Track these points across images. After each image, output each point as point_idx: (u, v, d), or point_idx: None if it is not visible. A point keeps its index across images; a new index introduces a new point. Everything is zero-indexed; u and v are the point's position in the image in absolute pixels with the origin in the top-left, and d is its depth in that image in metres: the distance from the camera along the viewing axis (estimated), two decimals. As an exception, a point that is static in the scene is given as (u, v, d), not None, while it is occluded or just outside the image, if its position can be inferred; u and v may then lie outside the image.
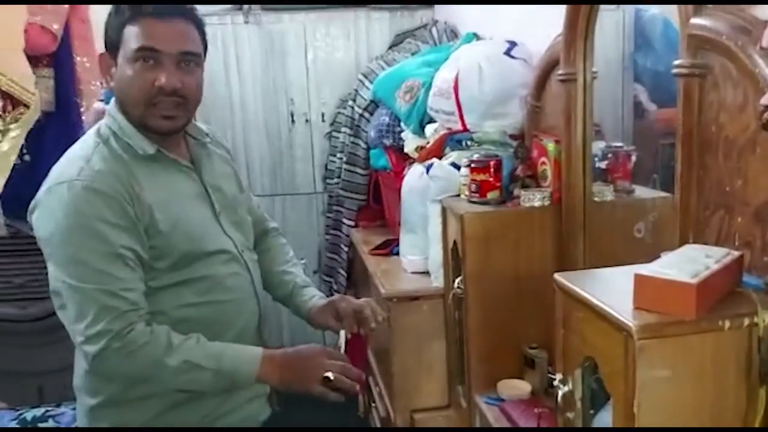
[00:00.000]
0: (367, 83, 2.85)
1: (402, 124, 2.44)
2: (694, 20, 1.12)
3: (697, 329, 0.90)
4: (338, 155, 3.01)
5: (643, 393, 0.89)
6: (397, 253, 2.30)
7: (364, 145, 2.78)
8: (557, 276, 1.10)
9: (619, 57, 1.69)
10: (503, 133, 1.97)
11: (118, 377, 1.23)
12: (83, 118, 2.23)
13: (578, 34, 1.55)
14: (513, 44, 2.03)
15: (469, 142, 1.99)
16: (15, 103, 1.89)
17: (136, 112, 1.24)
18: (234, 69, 3.18)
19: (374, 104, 2.73)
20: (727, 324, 0.90)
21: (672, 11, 1.21)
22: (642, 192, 1.59)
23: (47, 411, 2.01)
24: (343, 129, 2.97)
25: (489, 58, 2.00)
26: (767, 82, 0.97)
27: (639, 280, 0.93)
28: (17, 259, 2.14)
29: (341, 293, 2.94)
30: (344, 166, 2.88)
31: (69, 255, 1.17)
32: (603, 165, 1.64)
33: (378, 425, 2.36)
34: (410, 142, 2.36)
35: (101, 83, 1.30)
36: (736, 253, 1.00)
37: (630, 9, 1.65)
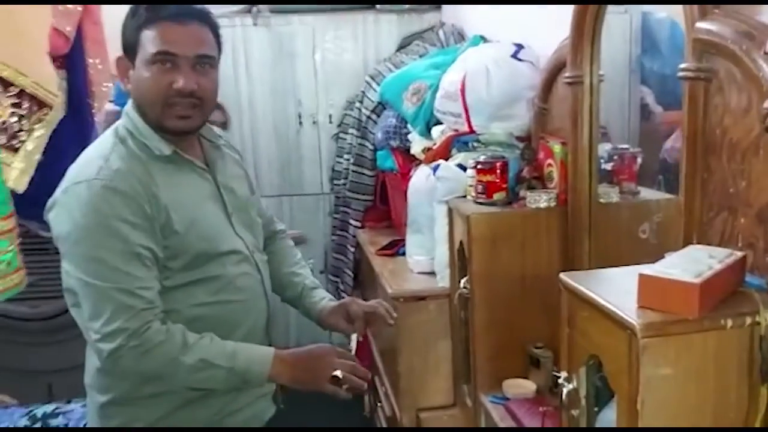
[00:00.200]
0: (374, 85, 2.87)
1: (409, 125, 2.46)
2: (700, 24, 1.14)
3: (699, 328, 0.91)
4: (345, 156, 3.03)
5: (647, 390, 0.91)
6: (404, 254, 2.31)
7: (371, 147, 2.80)
8: (563, 275, 1.11)
9: (625, 60, 1.70)
10: (510, 135, 1.98)
11: (132, 375, 1.25)
12: (95, 119, 2.25)
13: (585, 37, 1.57)
14: (520, 47, 2.04)
15: (475, 144, 2.01)
16: (39, 104, 1.92)
17: (153, 113, 1.27)
18: (243, 71, 3.21)
19: (381, 106, 2.76)
20: (730, 323, 0.92)
21: (679, 14, 1.22)
22: (647, 194, 1.60)
23: (57, 408, 2.03)
24: (350, 130, 2.99)
25: (496, 61, 2.01)
26: (771, 85, 0.99)
27: (643, 279, 0.94)
28: (28, 258, 2.16)
29: (348, 293, 2.96)
30: (351, 167, 2.90)
31: (86, 253, 1.19)
32: (609, 167, 1.65)
33: (384, 424, 2.38)
34: (417, 144, 2.38)
35: (122, 84, 1.31)
36: (739, 254, 1.01)
37: (637, 12, 1.66)
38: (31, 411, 2.01)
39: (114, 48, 2.44)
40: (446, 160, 2.07)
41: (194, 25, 1.26)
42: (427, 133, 2.31)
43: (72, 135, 2.09)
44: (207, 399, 1.30)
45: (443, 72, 2.24)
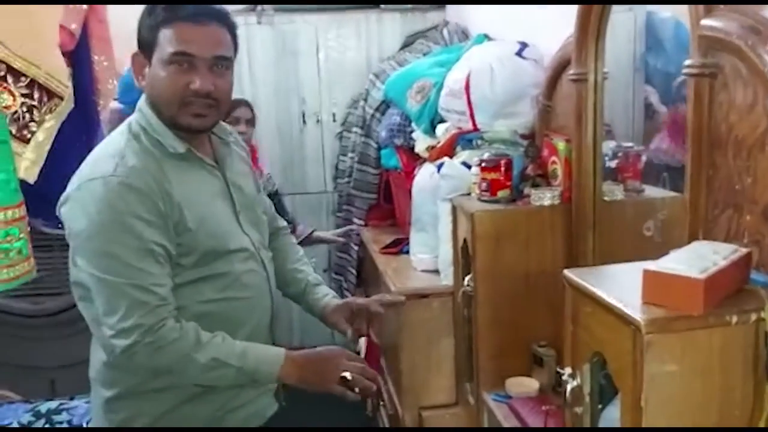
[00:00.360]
0: (378, 83, 2.87)
1: (413, 124, 2.46)
2: (705, 21, 1.13)
3: (704, 324, 0.91)
4: (349, 155, 3.03)
5: (651, 387, 0.91)
6: (407, 252, 2.31)
7: (375, 145, 2.80)
8: (567, 272, 1.11)
9: (630, 58, 1.70)
10: (514, 133, 1.98)
11: (143, 370, 1.26)
12: (100, 117, 2.26)
13: (590, 35, 1.56)
14: (524, 45, 2.04)
15: (479, 142, 2.01)
16: (50, 94, 1.94)
17: (168, 111, 1.27)
18: (246, 69, 3.21)
19: (385, 104, 2.76)
20: (735, 319, 0.92)
21: (683, 13, 1.22)
22: (652, 191, 1.59)
23: (61, 404, 2.03)
24: (354, 129, 2.99)
25: (500, 59, 2.01)
26: (777, 81, 0.99)
27: (647, 275, 0.94)
28: (31, 255, 2.19)
29: (351, 292, 2.96)
30: (355, 165, 2.90)
31: (101, 249, 1.19)
32: (613, 164, 1.65)
33: (386, 423, 2.37)
34: (421, 142, 2.38)
35: (136, 81, 1.31)
36: (744, 250, 1.01)
37: (641, 11, 1.66)
38: (35, 407, 2.01)
39: (119, 46, 2.46)
40: (450, 157, 2.06)
41: (212, 26, 1.26)
42: (431, 131, 2.31)
43: (77, 132, 2.10)
44: (210, 394, 1.31)
45: (447, 70, 2.24)
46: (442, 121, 2.24)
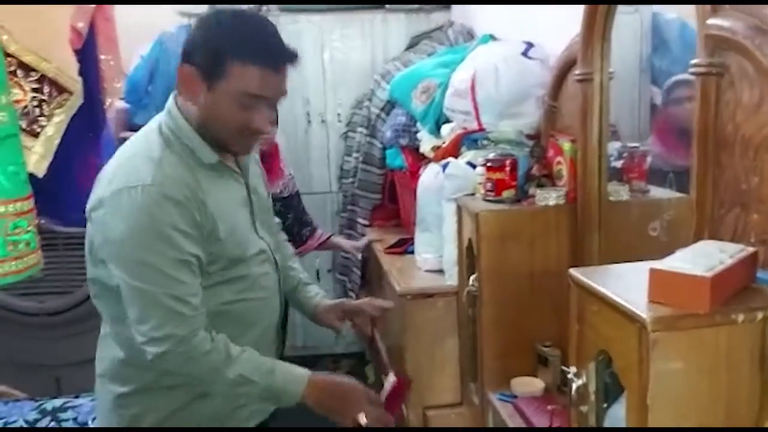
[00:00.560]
0: (383, 84, 2.88)
1: (418, 124, 2.47)
2: (712, 20, 1.13)
3: (710, 322, 0.91)
4: (354, 155, 3.03)
5: (657, 385, 0.90)
6: (412, 252, 2.32)
7: (380, 145, 2.81)
8: (572, 271, 1.11)
9: (635, 59, 1.70)
10: (519, 133, 1.98)
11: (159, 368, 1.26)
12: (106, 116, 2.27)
13: (596, 35, 1.56)
14: (530, 45, 2.04)
15: (485, 142, 2.01)
16: (60, 89, 1.94)
17: (219, 137, 1.26)
18: (251, 69, 3.21)
19: (390, 104, 2.76)
20: (741, 318, 0.91)
21: (689, 14, 1.22)
22: (657, 192, 1.59)
23: (66, 402, 2.04)
24: (359, 129, 2.99)
25: (506, 59, 2.02)
26: (783, 80, 0.99)
27: (654, 273, 0.94)
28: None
29: (355, 292, 2.96)
30: (360, 165, 2.91)
31: (138, 257, 1.19)
32: (618, 165, 1.65)
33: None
34: (426, 142, 2.38)
35: (185, 96, 1.26)
36: (751, 249, 1.01)
37: (647, 12, 1.66)
38: (40, 405, 2.02)
39: (125, 45, 2.47)
40: (456, 158, 2.07)
41: (287, 69, 1.25)
42: (436, 131, 2.31)
43: (83, 131, 2.10)
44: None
45: (452, 70, 2.24)
46: (447, 121, 2.24)
